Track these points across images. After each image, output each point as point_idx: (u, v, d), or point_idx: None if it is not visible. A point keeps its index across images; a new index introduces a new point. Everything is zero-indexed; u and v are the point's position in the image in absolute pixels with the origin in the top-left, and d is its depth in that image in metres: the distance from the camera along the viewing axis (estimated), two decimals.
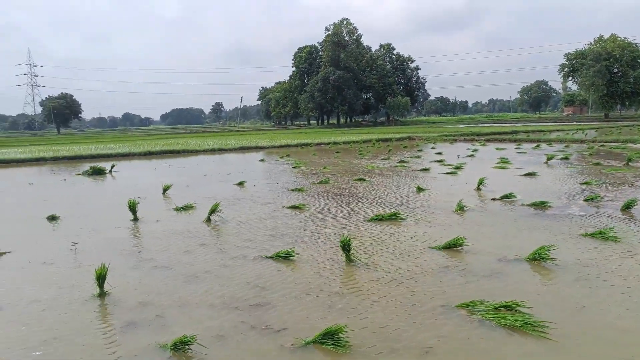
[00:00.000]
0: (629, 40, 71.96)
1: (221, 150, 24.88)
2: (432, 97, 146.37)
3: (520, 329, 3.43)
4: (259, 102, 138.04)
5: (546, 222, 6.80)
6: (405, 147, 24.76)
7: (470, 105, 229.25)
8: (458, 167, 13.76)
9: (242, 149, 25.54)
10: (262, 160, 18.98)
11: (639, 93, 71.25)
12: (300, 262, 5.25)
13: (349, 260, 5.13)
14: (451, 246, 5.56)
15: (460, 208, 7.74)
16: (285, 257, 5.35)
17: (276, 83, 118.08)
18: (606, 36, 74.51)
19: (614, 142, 21.82)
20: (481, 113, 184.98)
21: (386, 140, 30.18)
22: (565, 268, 4.74)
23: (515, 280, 4.47)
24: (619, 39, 72.46)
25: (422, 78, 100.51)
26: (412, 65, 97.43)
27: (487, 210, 7.89)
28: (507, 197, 8.66)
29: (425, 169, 13.73)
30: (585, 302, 3.92)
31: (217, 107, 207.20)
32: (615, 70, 71.01)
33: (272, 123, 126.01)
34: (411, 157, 18.00)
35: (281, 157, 19.80)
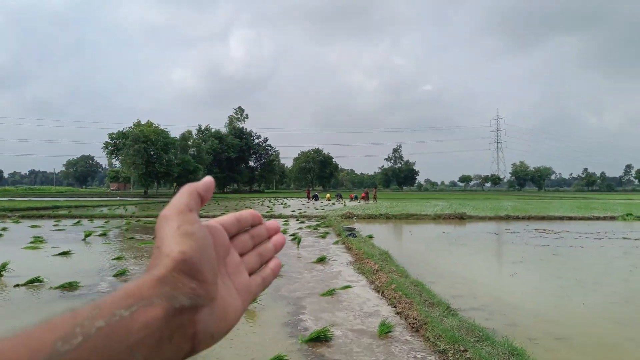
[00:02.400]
0: (162, 127, 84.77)
1: None
2: None
3: None
4: None
5: (70, 303, 6.76)
6: None
7: (6, 175, 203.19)
8: None
9: None
10: None
11: (170, 173, 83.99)
12: None
13: None
14: None
15: None
16: None
17: None
18: (143, 121, 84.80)
19: (149, 217, 24.50)
20: (20, 185, 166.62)
21: None
22: None
23: None
24: (153, 125, 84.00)
25: None
26: None
27: (8, 299, 7.07)
28: (33, 282, 8.05)
29: None
30: None
31: None
32: (152, 152, 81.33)
33: None
34: None
35: None
